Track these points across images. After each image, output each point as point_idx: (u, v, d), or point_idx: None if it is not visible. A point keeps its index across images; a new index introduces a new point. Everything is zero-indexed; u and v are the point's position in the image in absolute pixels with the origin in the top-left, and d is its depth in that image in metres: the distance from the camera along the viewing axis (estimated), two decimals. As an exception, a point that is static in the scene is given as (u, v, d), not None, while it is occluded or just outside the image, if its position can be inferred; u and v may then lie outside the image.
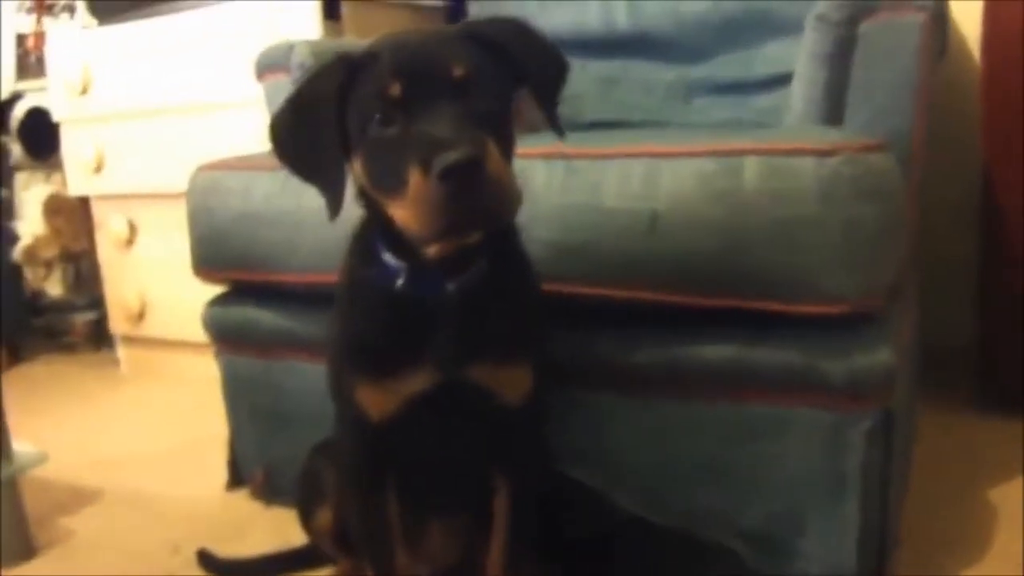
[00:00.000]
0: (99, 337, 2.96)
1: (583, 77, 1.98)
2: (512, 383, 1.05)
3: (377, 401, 1.04)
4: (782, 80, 1.62)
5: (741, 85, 1.81)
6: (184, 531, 1.59)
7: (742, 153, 1.09)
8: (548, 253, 1.17)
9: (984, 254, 1.87)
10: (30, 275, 2.97)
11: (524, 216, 1.14)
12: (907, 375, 1.40)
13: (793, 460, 1.16)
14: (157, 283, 2.52)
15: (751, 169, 1.08)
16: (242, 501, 1.69)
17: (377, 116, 0.92)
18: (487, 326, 1.02)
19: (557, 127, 1.04)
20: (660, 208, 1.11)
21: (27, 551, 1.57)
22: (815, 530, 1.17)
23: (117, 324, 2.72)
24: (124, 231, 2.57)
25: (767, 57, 1.79)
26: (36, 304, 3.08)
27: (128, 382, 2.68)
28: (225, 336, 1.63)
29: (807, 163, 1.05)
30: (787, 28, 1.72)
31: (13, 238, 2.90)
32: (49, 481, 1.81)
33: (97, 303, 2.88)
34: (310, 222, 1.37)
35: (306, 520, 1.33)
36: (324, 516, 1.28)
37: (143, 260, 2.58)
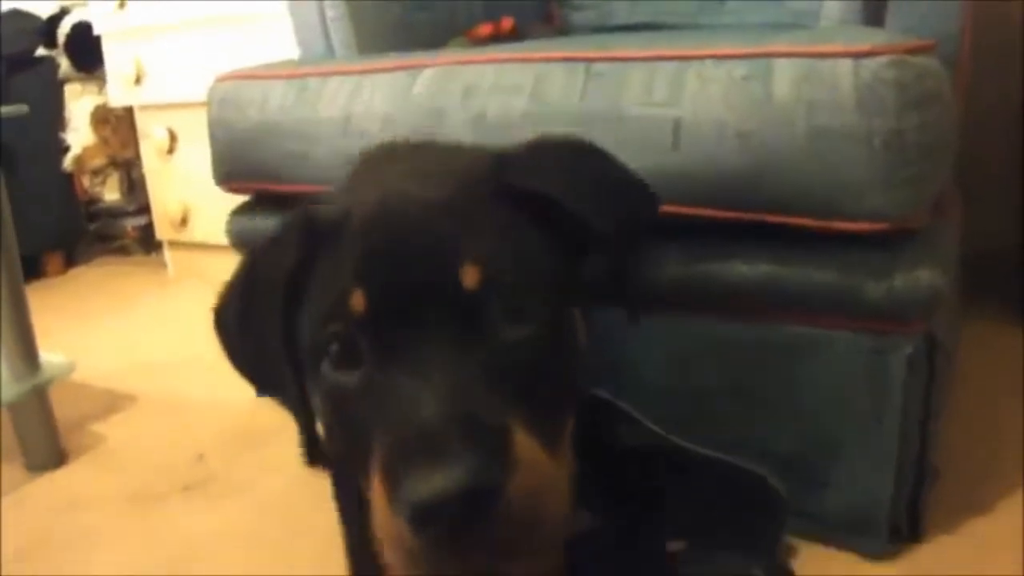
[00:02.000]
0: (149, 241, 2.88)
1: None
2: None
3: None
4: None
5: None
6: (211, 439, 1.52)
7: (773, 56, 0.94)
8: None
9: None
10: (86, 182, 2.90)
11: (546, 125, 1.02)
12: (952, 294, 1.26)
13: (829, 385, 1.04)
14: (197, 190, 2.42)
15: (782, 74, 0.93)
16: (269, 409, 1.59)
17: (333, 343, 0.58)
18: None
19: (634, 309, 0.72)
20: (684, 116, 0.96)
21: (57, 458, 1.50)
22: (849, 459, 1.06)
23: (162, 229, 2.64)
24: (165, 140, 2.48)
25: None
26: (90, 210, 3.02)
27: (175, 284, 2.61)
28: (248, 246, 1.52)
29: (844, 67, 0.90)
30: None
31: (64, 148, 2.81)
32: (86, 386, 1.75)
33: (147, 209, 2.80)
34: (325, 132, 1.25)
35: None
36: None
37: (184, 168, 2.48)
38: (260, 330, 0.66)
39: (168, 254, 2.70)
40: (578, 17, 1.93)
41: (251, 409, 1.61)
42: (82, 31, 2.72)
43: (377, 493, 0.50)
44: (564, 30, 1.97)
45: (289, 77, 1.32)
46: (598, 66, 1.03)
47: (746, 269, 1.02)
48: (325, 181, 1.26)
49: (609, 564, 1.01)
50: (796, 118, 0.91)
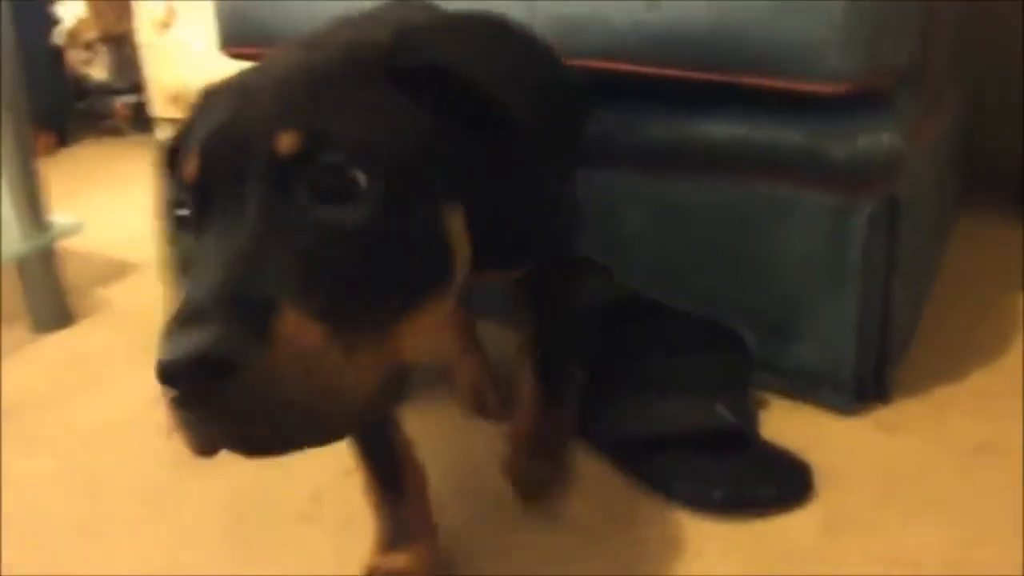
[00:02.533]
0: (141, 119, 3.01)
1: None
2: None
3: None
4: None
5: None
6: (213, 300, 1.68)
7: (747, -77, 1.07)
8: (555, 26, 1.17)
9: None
10: (73, 59, 3.00)
11: None
12: (931, 169, 1.40)
13: (799, 244, 1.19)
14: (194, 66, 2.54)
15: (755, -61, 1.06)
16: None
17: (178, 208, 0.60)
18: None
19: (563, 244, 0.76)
20: (663, -21, 1.10)
21: (65, 318, 1.67)
22: (815, 316, 1.21)
23: (157, 106, 2.77)
24: (161, 14, 2.58)
25: None
26: (79, 88, 3.12)
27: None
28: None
29: (811, -66, 1.03)
30: None
31: (55, 21, 2.92)
32: (88, 254, 1.91)
33: (138, 86, 2.92)
34: None
35: None
36: None
37: (181, 44, 2.60)
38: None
39: (162, 132, 2.83)
40: None
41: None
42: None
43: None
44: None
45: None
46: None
47: (721, 130, 1.17)
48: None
49: (599, 410, 1.19)
50: (765, -19, 1.05)
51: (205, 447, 0.52)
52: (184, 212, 0.58)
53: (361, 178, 0.55)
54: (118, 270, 1.87)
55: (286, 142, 0.54)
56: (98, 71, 3.03)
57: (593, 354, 1.28)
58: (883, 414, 1.22)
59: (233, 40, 1.57)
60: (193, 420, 0.50)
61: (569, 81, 0.70)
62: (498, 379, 1.27)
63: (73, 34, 2.89)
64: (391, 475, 0.95)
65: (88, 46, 2.95)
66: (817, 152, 1.12)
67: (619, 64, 1.16)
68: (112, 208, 2.31)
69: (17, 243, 1.57)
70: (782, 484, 1.06)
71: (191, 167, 0.57)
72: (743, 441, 1.11)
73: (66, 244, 1.69)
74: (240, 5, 1.51)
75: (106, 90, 3.08)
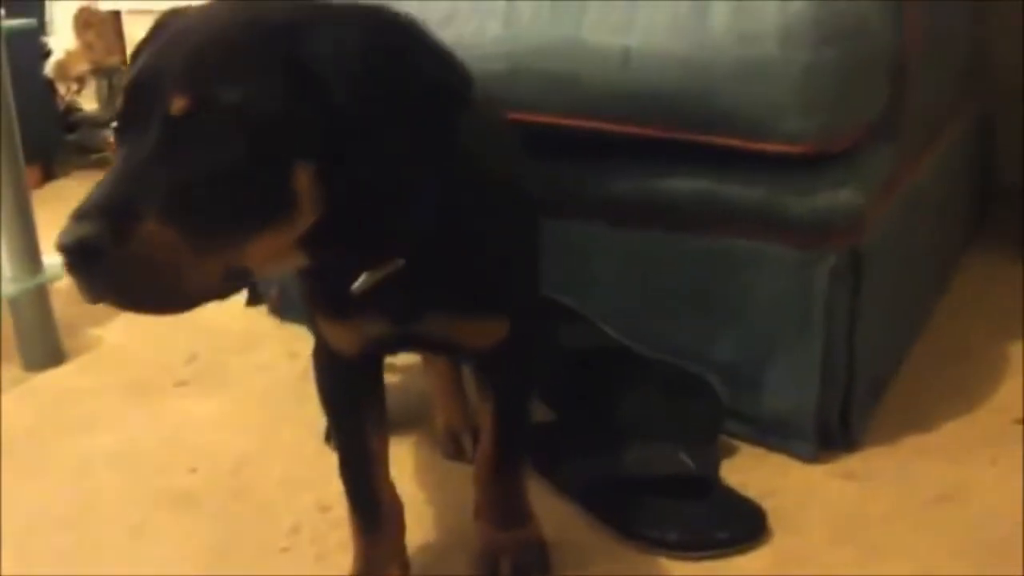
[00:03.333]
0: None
1: None
2: (477, 334, 1.06)
3: (338, 338, 1.07)
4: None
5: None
6: (204, 342, 1.87)
7: (712, -8, 1.26)
8: (536, 84, 1.37)
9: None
10: (62, 90, 3.20)
11: (514, 47, 1.36)
12: (912, 215, 1.57)
13: (762, 295, 1.36)
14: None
15: (719, 8, 1.24)
16: (259, 317, 1.97)
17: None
18: (442, 280, 0.98)
19: (403, 227, 0.89)
20: (633, 44, 1.28)
21: (56, 357, 1.85)
22: (780, 365, 1.37)
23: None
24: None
25: None
26: (68, 120, 3.32)
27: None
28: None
29: (771, 4, 1.21)
30: None
31: (45, 52, 3.12)
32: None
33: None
34: None
35: None
36: None
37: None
38: None
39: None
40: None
41: (243, 316, 1.97)
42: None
43: None
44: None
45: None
46: (562, -6, 1.36)
47: (688, 185, 1.35)
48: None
49: (565, 451, 1.36)
50: (729, 47, 1.23)
51: (90, 298, 0.77)
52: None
53: (229, 134, 0.78)
54: (109, 308, 2.04)
55: (177, 104, 0.77)
56: (88, 103, 3.23)
57: (562, 396, 1.45)
58: (849, 461, 1.38)
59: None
60: (79, 282, 0.76)
61: (433, 80, 0.88)
62: (476, 425, 1.42)
63: (63, 67, 3.09)
64: (371, 512, 1.14)
65: (79, 79, 3.15)
66: (779, 208, 1.30)
67: (593, 122, 1.35)
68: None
69: (10, 283, 1.76)
70: (736, 528, 1.22)
71: (120, 99, 0.82)
72: (704, 487, 1.27)
73: (57, 282, 1.88)
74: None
75: (96, 122, 3.29)
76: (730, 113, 1.26)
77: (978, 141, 2.12)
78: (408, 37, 0.88)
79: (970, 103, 2.04)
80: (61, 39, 3.09)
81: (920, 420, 1.46)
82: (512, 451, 1.19)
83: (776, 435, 1.41)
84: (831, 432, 1.40)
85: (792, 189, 1.29)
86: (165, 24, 0.88)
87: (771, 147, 1.25)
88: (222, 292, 0.83)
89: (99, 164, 3.30)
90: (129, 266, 0.75)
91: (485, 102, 1.02)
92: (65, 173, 3.28)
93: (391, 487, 1.16)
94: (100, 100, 3.22)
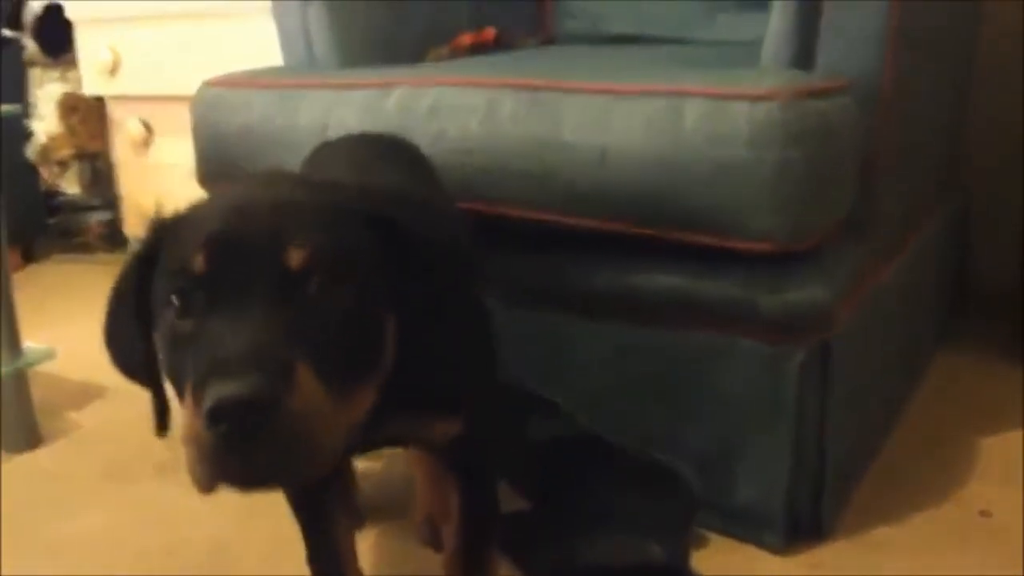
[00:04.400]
0: (113, 238, 3.24)
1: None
2: (433, 431, 1.09)
3: None
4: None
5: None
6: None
7: (686, 94, 1.31)
8: (516, 180, 1.42)
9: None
10: (45, 173, 3.24)
11: (495, 144, 1.42)
12: (885, 309, 1.62)
13: (733, 388, 1.40)
14: (172, 186, 2.75)
15: (692, 111, 1.29)
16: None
17: (174, 296, 0.80)
18: (402, 389, 0.93)
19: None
20: (610, 143, 1.34)
21: (33, 440, 1.87)
22: (750, 458, 1.41)
23: (131, 225, 3.01)
24: (140, 132, 2.85)
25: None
26: (51, 203, 3.36)
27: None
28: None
29: (742, 108, 1.27)
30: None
31: (28, 134, 3.17)
32: (59, 376, 2.11)
33: (112, 204, 3.16)
34: (304, 140, 1.58)
35: None
36: None
37: (159, 163, 2.86)
38: (123, 319, 0.92)
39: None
40: (571, 25, 2.38)
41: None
42: (51, 14, 3.08)
43: (187, 404, 0.74)
44: (552, 39, 2.37)
45: (270, 87, 1.71)
46: (542, 95, 1.41)
47: (662, 280, 1.40)
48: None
49: (538, 539, 1.39)
50: (701, 148, 1.28)
51: (219, 479, 0.73)
52: (181, 297, 0.80)
53: (344, 285, 0.80)
54: (87, 393, 2.08)
55: (296, 256, 0.78)
56: (71, 187, 3.26)
57: (534, 485, 1.48)
58: (818, 552, 1.41)
59: (211, 176, 1.81)
60: (229, 452, 0.70)
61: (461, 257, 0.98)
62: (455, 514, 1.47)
63: (46, 151, 3.14)
64: None
65: (62, 163, 3.19)
66: (749, 304, 1.35)
67: (571, 218, 1.40)
68: (80, 328, 2.50)
69: (-10, 368, 1.79)
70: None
71: (199, 262, 0.79)
72: (674, 576, 1.30)
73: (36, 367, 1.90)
74: (219, 146, 1.77)
75: (79, 206, 3.33)
76: (703, 211, 1.31)
77: (954, 235, 2.18)
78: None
79: (948, 197, 2.11)
80: (45, 123, 3.14)
81: (889, 512, 1.50)
82: (480, 543, 1.21)
83: (746, 526, 1.44)
84: (801, 523, 1.43)
85: (762, 286, 1.34)
86: (199, 210, 0.89)
87: (742, 245, 1.30)
88: (343, 453, 0.83)
89: (80, 248, 3.35)
90: (299, 420, 0.72)
91: (442, 199, 1.17)
92: (46, 256, 3.32)
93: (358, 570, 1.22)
94: (82, 184, 3.25)
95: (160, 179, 2.85)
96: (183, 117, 2.60)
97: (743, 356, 1.38)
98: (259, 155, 1.69)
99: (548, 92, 1.42)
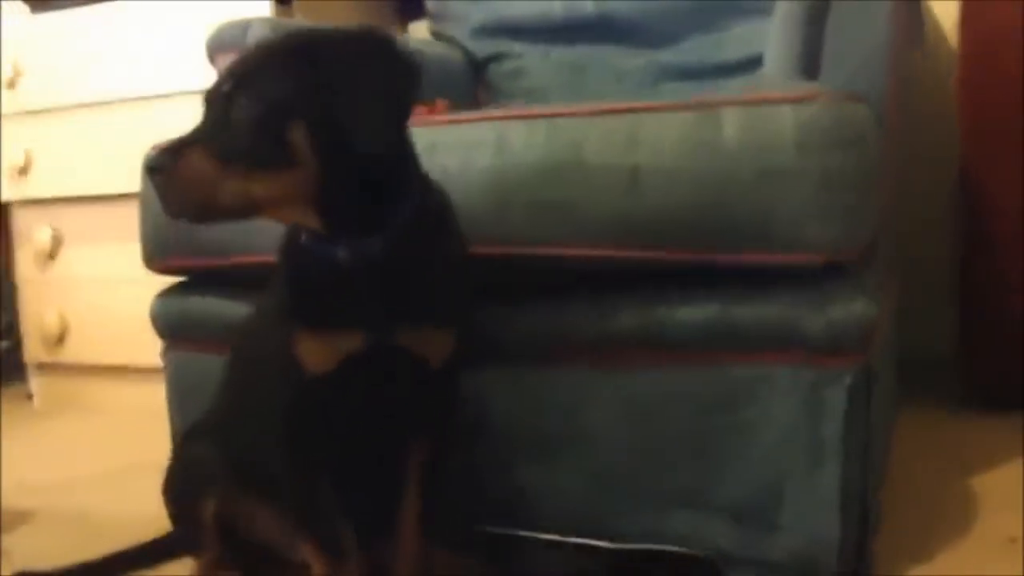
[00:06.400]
0: (11, 367, 3.02)
1: (547, 66, 2.17)
2: (435, 346, 1.25)
3: (315, 353, 1.21)
4: (752, 63, 1.80)
5: (711, 68, 2.00)
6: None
7: (721, 105, 1.25)
8: (529, 214, 1.33)
9: (961, 254, 2.09)
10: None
11: (505, 178, 1.33)
12: (887, 342, 1.56)
13: (773, 424, 1.30)
14: (81, 301, 2.62)
15: (730, 119, 1.24)
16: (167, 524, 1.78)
17: None
18: (411, 291, 1.21)
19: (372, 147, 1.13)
20: (641, 162, 1.26)
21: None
22: (794, 499, 1.30)
23: (33, 350, 2.81)
24: (47, 243, 2.68)
25: (736, 39, 1.99)
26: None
27: (43, 416, 2.76)
28: (177, 331, 1.73)
29: (785, 111, 1.22)
30: (755, 9, 1.92)
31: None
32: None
33: (12, 329, 2.96)
34: None
35: (187, 510, 1.47)
36: (210, 505, 1.42)
37: (66, 275, 2.68)
38: None
39: (36, 381, 2.85)
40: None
41: (158, 521, 1.78)
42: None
43: None
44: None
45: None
46: (559, 121, 1.34)
47: (693, 313, 1.31)
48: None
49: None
50: (743, 160, 1.22)
51: (162, 203, 1.12)
52: None
53: (251, 100, 1.12)
54: (12, 518, 1.90)
55: (227, 84, 1.15)
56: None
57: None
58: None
59: (164, 252, 1.66)
60: (156, 194, 1.11)
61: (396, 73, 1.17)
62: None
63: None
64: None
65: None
66: (791, 326, 1.27)
67: (596, 250, 1.31)
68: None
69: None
70: None
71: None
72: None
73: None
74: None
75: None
76: (746, 226, 1.24)
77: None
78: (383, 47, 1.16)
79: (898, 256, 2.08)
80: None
81: (917, 552, 1.45)
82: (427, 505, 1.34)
83: (794, 579, 1.33)
84: (849, 569, 1.32)
85: (805, 304, 1.26)
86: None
87: (788, 259, 1.24)
88: (243, 213, 1.14)
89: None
90: (175, 179, 1.10)
91: (454, 231, 1.28)
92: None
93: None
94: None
95: (67, 293, 2.68)
96: (97, 220, 2.45)
97: (782, 387, 1.29)
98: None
99: (565, 118, 1.35)
